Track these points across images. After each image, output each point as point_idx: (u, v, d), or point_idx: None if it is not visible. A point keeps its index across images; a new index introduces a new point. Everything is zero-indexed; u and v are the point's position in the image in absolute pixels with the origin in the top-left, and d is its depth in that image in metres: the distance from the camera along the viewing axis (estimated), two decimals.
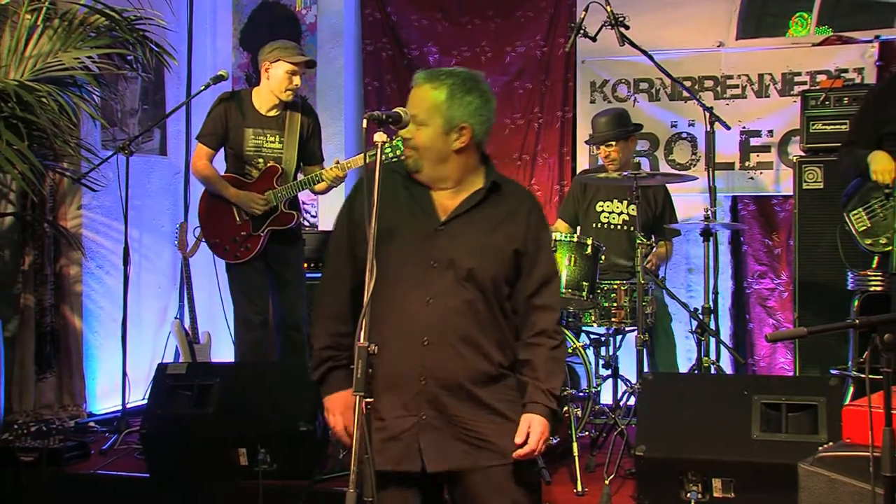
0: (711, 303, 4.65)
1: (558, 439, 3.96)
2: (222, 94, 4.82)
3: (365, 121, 2.50)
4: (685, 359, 5.30)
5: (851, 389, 4.24)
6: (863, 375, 4.04)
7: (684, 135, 5.93)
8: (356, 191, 2.64)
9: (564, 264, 4.35)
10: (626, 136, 5.09)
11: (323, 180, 4.57)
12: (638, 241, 4.31)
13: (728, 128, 4.99)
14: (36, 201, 5.15)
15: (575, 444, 3.91)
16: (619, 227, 5.13)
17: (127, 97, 5.85)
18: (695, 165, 5.84)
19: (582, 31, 4.74)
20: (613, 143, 5.05)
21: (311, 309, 5.54)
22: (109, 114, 5.60)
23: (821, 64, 5.58)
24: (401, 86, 6.49)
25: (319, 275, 5.73)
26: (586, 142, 5.67)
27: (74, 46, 4.49)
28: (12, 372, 5.09)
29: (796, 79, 5.65)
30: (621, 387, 4.70)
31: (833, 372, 4.31)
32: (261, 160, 4.72)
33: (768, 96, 5.73)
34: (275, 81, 4.67)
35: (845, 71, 5.49)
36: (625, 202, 5.09)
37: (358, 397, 2.27)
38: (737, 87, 5.79)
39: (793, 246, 5.10)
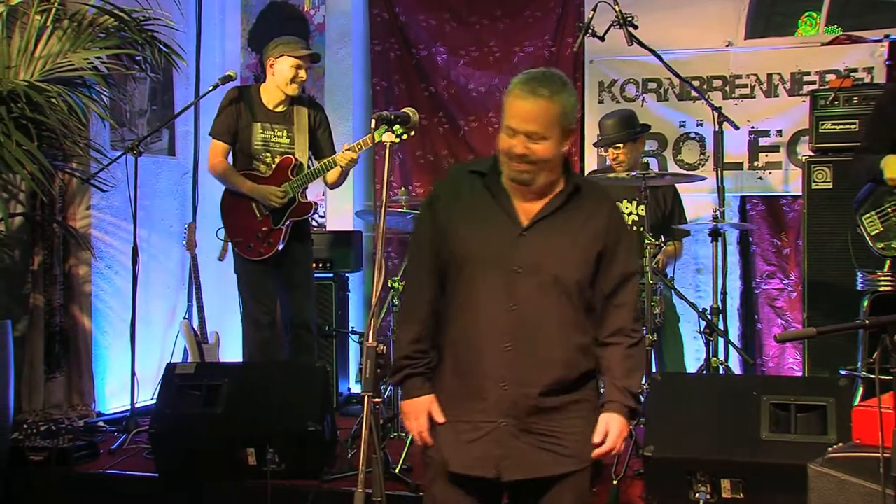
0: (720, 303, 4.65)
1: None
2: (232, 91, 4.85)
3: (373, 121, 2.51)
4: (694, 359, 5.29)
5: (861, 390, 4.22)
6: (872, 376, 4.01)
7: (693, 135, 5.92)
8: (436, 194, 2.59)
9: None
10: (633, 137, 5.08)
11: (336, 165, 4.58)
12: (647, 242, 4.31)
13: (737, 128, 4.98)
14: (45, 201, 5.17)
15: None
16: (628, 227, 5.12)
17: (136, 97, 5.86)
18: (703, 165, 5.83)
19: (590, 31, 4.73)
20: (621, 145, 5.04)
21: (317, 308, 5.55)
22: (118, 114, 5.62)
23: (830, 63, 5.56)
24: (409, 86, 6.50)
25: (327, 274, 5.83)
26: (594, 144, 5.66)
27: (84, 47, 4.51)
28: (22, 372, 5.11)
29: (805, 78, 5.63)
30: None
31: (842, 372, 4.29)
32: (268, 155, 4.75)
33: (777, 96, 5.71)
34: (280, 77, 4.70)
35: (855, 70, 5.47)
36: (634, 202, 5.08)
37: (366, 397, 2.27)
38: (745, 86, 5.77)
39: (802, 246, 5.08)
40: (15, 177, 4.81)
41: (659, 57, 4.79)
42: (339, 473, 4.00)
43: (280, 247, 4.71)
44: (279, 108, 4.78)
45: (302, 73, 4.72)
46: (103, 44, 4.59)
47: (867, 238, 4.15)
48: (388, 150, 2.42)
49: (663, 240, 4.45)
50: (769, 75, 5.72)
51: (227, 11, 6.70)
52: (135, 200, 5.04)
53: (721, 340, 4.63)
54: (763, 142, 5.74)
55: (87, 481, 4.32)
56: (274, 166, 4.74)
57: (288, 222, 4.72)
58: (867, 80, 5.40)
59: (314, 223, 6.23)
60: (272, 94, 4.77)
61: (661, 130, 5.92)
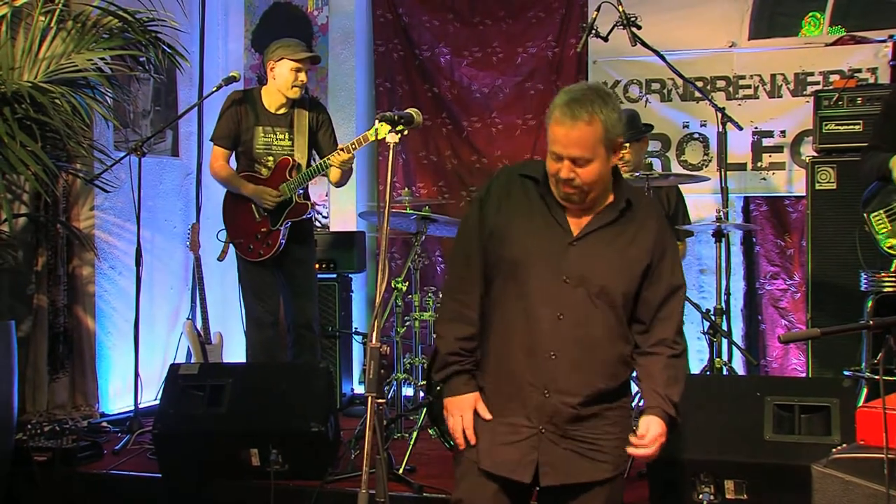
0: (724, 304, 4.64)
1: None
2: (232, 94, 4.85)
3: (377, 121, 2.51)
4: (697, 360, 5.28)
5: (865, 391, 4.21)
6: (877, 377, 4.01)
7: (696, 135, 5.91)
8: (488, 194, 2.58)
9: None
10: (636, 138, 5.07)
11: (331, 165, 4.58)
12: None
13: (740, 128, 4.98)
14: (49, 202, 5.17)
15: None
16: None
17: (139, 98, 5.87)
18: (707, 166, 5.82)
19: (593, 32, 4.73)
20: (625, 145, 5.03)
21: (318, 308, 5.55)
22: (122, 115, 5.62)
23: (834, 64, 5.55)
24: (412, 86, 6.50)
25: (331, 275, 5.84)
26: None
27: (87, 48, 4.51)
28: (26, 372, 5.12)
29: (809, 79, 5.62)
30: (633, 388, 4.68)
31: (846, 373, 4.29)
32: (270, 158, 4.75)
33: (781, 96, 5.70)
34: (281, 80, 4.71)
35: (858, 71, 5.45)
36: None
37: (369, 398, 2.27)
38: (749, 87, 5.77)
39: (805, 247, 5.07)
40: (19, 177, 4.82)
41: (662, 57, 4.79)
42: (343, 474, 4.00)
43: (279, 248, 4.72)
44: (281, 111, 4.79)
45: (302, 76, 4.71)
46: (107, 45, 4.60)
47: (875, 236, 4.14)
48: (391, 151, 2.41)
49: None
50: (773, 76, 5.71)
51: (231, 12, 6.71)
52: (138, 201, 5.05)
53: (725, 341, 4.63)
54: (767, 142, 5.74)
55: (91, 482, 4.32)
56: (274, 168, 4.74)
57: (287, 223, 4.72)
58: (871, 80, 5.39)
59: (317, 224, 6.23)
60: (273, 96, 4.77)
61: (664, 131, 5.91)
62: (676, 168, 5.90)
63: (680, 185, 5.13)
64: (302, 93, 4.79)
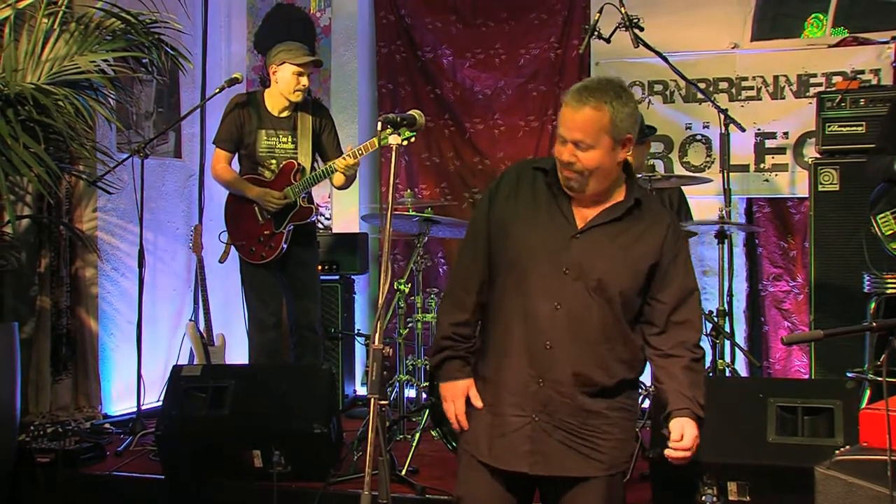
0: (726, 305, 4.64)
1: None
2: (235, 97, 4.85)
3: (379, 123, 2.51)
4: None
5: (868, 393, 4.21)
6: (880, 378, 4.00)
7: (699, 137, 5.91)
8: (498, 186, 2.61)
9: None
10: (639, 141, 5.06)
11: (336, 170, 4.58)
12: None
13: (743, 129, 4.97)
14: (52, 204, 5.18)
15: None
16: None
17: (142, 100, 5.87)
18: (709, 167, 5.82)
19: (596, 33, 4.73)
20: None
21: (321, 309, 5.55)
22: (125, 117, 5.63)
23: (837, 65, 5.54)
24: (415, 88, 6.50)
25: (333, 277, 5.84)
26: None
27: (90, 50, 4.52)
28: (28, 374, 5.12)
29: (812, 80, 5.62)
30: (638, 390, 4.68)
31: (850, 375, 4.29)
32: (273, 161, 4.76)
33: (783, 98, 5.70)
34: (283, 84, 4.71)
35: (861, 72, 5.45)
36: None
37: (372, 399, 2.27)
38: (752, 88, 5.76)
39: (808, 248, 5.07)
40: (22, 179, 4.83)
41: (665, 59, 4.78)
42: (345, 476, 4.00)
43: (281, 251, 4.72)
44: (283, 114, 4.78)
45: (304, 80, 4.71)
46: (110, 46, 4.60)
47: (881, 238, 4.14)
48: (394, 153, 2.41)
49: None
50: (775, 77, 5.71)
51: (233, 14, 6.71)
52: (141, 203, 5.06)
53: (727, 343, 4.62)
54: (769, 144, 5.73)
55: (94, 483, 4.33)
56: (277, 171, 4.74)
57: (290, 226, 4.72)
58: (874, 81, 5.38)
59: (320, 225, 6.24)
60: (276, 99, 4.77)
61: (667, 132, 5.91)
62: (679, 169, 5.89)
63: (682, 187, 5.13)
64: (304, 96, 4.79)
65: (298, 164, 4.72)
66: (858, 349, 4.44)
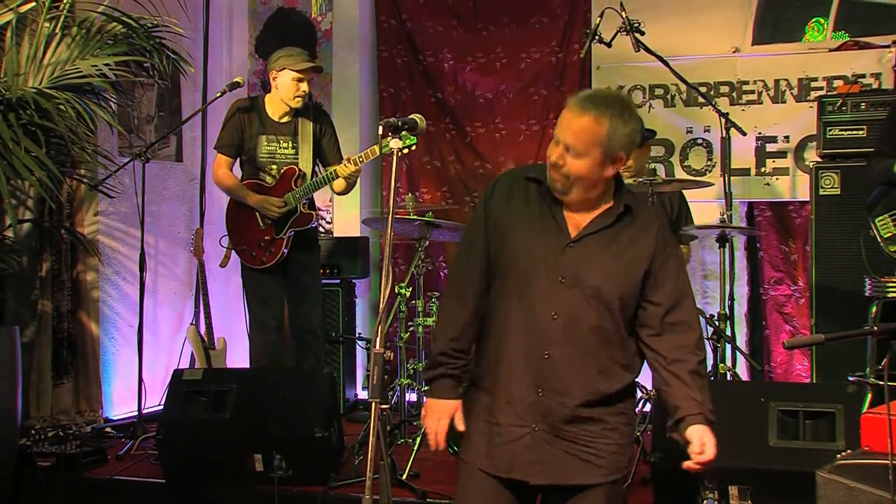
0: (727, 309, 4.64)
1: None
2: (237, 102, 4.86)
3: (380, 127, 2.51)
4: None
5: (869, 396, 4.20)
6: (881, 382, 4.00)
7: (700, 140, 5.91)
8: (492, 194, 2.60)
9: None
10: (640, 143, 5.07)
11: (338, 177, 4.58)
12: None
13: (744, 133, 4.97)
14: (53, 208, 5.18)
15: None
16: None
17: (143, 104, 5.88)
18: (710, 171, 5.83)
19: (597, 37, 4.73)
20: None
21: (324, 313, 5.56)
22: (126, 121, 5.64)
23: (837, 69, 5.55)
24: (416, 92, 6.51)
25: (335, 280, 5.84)
26: None
27: (92, 54, 4.52)
28: (30, 377, 5.12)
29: (813, 84, 5.62)
30: (637, 394, 4.68)
31: (851, 379, 4.28)
32: (274, 167, 4.76)
33: (784, 102, 5.71)
34: (283, 89, 4.71)
35: (862, 76, 5.46)
36: None
37: (373, 403, 2.27)
38: (753, 92, 5.77)
39: (809, 252, 5.07)
40: (23, 183, 4.83)
41: (666, 63, 4.79)
42: (346, 480, 4.00)
43: (282, 256, 4.72)
44: (284, 119, 4.79)
45: (304, 86, 4.71)
46: (111, 50, 4.61)
47: (880, 241, 4.13)
48: (395, 157, 2.41)
49: None
50: (776, 81, 5.71)
51: (235, 18, 6.72)
52: (142, 206, 5.06)
53: (728, 346, 4.62)
54: (770, 147, 5.74)
55: (95, 487, 4.33)
56: (279, 177, 4.75)
57: (290, 232, 4.72)
58: (875, 85, 5.39)
59: (321, 229, 6.24)
60: (277, 105, 4.77)
61: (667, 136, 5.92)
62: (680, 173, 5.90)
63: (683, 191, 5.13)
64: (305, 102, 4.78)
65: (299, 170, 4.72)
66: (860, 353, 4.43)
